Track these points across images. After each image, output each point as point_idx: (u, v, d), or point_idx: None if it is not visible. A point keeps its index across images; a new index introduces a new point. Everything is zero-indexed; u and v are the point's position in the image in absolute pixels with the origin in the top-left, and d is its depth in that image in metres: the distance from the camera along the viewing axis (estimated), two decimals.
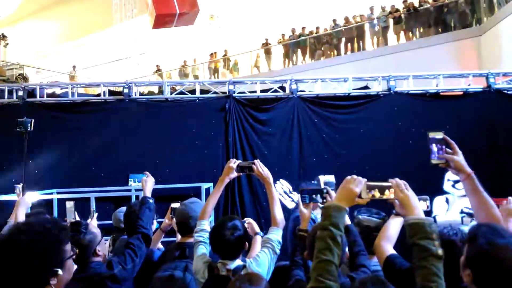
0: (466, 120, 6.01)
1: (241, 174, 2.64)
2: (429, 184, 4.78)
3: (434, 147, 1.66)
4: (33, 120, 4.35)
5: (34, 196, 2.90)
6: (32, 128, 4.28)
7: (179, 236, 3.15)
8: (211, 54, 17.24)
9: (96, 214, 3.49)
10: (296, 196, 4.57)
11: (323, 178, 4.54)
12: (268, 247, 2.37)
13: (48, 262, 1.48)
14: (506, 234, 1.50)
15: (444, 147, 1.61)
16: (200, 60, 17.57)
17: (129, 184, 5.66)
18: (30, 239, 1.46)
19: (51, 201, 5.43)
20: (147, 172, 2.86)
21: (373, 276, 2.09)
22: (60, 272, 1.51)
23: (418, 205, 1.64)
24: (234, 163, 2.58)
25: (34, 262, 1.43)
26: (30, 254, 1.44)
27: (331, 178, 4.53)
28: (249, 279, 1.87)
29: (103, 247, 2.43)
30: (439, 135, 1.66)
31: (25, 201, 2.83)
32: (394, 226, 2.14)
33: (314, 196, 2.39)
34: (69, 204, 3.45)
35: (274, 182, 4.31)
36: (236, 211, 5.80)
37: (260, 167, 2.53)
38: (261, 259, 2.32)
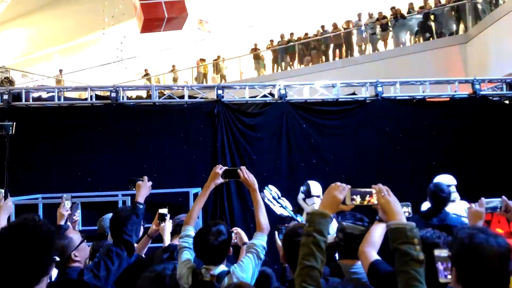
0: (452, 126, 6.10)
1: (227, 180, 2.63)
2: (417, 189, 4.81)
3: (440, 266, 1.68)
4: (14, 123, 4.29)
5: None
6: (13, 132, 4.21)
7: (166, 242, 3.13)
8: (201, 59, 17.21)
9: (66, 201, 3.40)
10: (285, 202, 4.57)
11: (311, 184, 4.58)
12: (253, 252, 2.37)
13: (49, 251, 1.55)
14: (487, 231, 1.53)
15: (449, 265, 1.65)
16: (189, 65, 17.53)
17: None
18: (31, 231, 1.54)
19: (35, 206, 5.34)
20: (145, 177, 2.77)
21: (357, 281, 2.10)
22: (57, 259, 1.60)
23: (400, 210, 1.66)
24: (220, 169, 2.58)
25: (38, 251, 1.51)
26: (35, 242, 1.51)
27: (318, 186, 4.56)
28: None
29: (82, 253, 2.38)
30: (444, 253, 1.69)
31: (8, 205, 2.76)
32: (377, 232, 2.16)
33: None
34: (68, 202, 3.38)
35: (263, 187, 4.34)
36: (224, 216, 5.77)
37: (246, 173, 2.54)
38: (245, 265, 2.31)
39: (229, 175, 2.58)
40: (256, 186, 2.55)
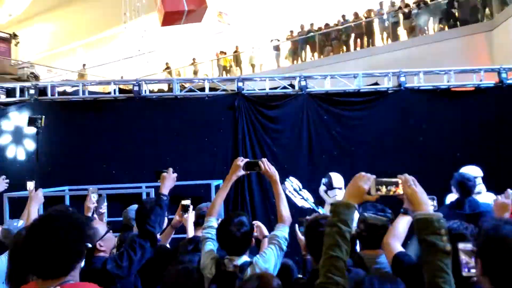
0: (477, 116, 5.95)
1: (248, 172, 2.65)
2: (441, 181, 4.74)
3: (464, 259, 1.66)
4: (44, 117, 4.40)
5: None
6: (43, 125, 4.33)
7: (189, 233, 3.17)
8: (221, 52, 17.23)
9: (92, 194, 3.49)
10: (306, 194, 4.57)
11: (333, 176, 4.56)
12: (275, 243, 2.39)
13: (83, 239, 1.63)
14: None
15: (473, 258, 1.62)
16: (209, 58, 17.59)
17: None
18: (66, 219, 1.61)
19: (62, 198, 5.49)
20: (170, 169, 2.80)
21: (382, 272, 2.10)
22: (89, 245, 1.71)
23: (427, 201, 1.64)
24: (241, 161, 2.59)
25: (74, 238, 1.58)
26: (70, 230, 1.58)
27: (340, 178, 4.53)
28: (259, 281, 1.90)
29: (108, 243, 2.45)
30: (468, 247, 1.66)
31: (39, 196, 2.85)
32: (402, 224, 2.15)
33: None
34: (94, 195, 3.48)
35: (284, 179, 4.34)
36: (245, 208, 5.81)
37: (267, 165, 2.55)
38: (268, 256, 2.34)
39: (250, 167, 2.59)
40: (277, 178, 2.56)
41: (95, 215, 3.38)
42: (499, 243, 1.43)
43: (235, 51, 16.65)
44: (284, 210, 2.50)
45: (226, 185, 2.61)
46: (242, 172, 2.59)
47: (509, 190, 2.60)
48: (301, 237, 2.76)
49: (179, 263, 2.64)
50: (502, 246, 1.42)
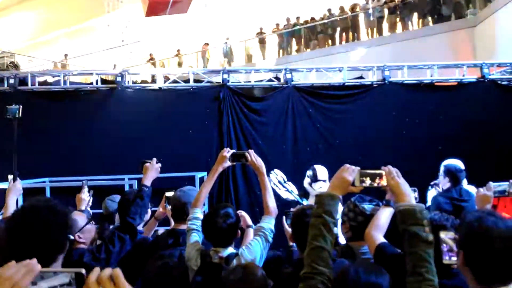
0: (460, 110, 6.04)
1: (235, 163, 2.63)
2: (423, 173, 4.81)
3: (445, 247, 1.68)
4: (21, 106, 4.29)
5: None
6: (20, 115, 4.22)
7: (172, 225, 3.14)
8: (205, 43, 17.08)
9: (86, 188, 3.43)
10: (291, 186, 4.58)
11: (317, 168, 4.58)
12: (261, 235, 2.39)
13: (65, 230, 1.63)
14: (496, 214, 1.52)
15: (454, 247, 1.64)
16: (194, 49, 17.43)
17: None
18: (47, 210, 1.60)
19: (43, 189, 5.39)
20: (154, 159, 2.73)
21: (368, 261, 2.11)
22: (71, 237, 1.70)
23: (410, 192, 1.67)
24: (227, 152, 2.57)
25: (51, 232, 1.56)
26: (52, 222, 1.58)
27: (324, 170, 4.56)
28: (243, 272, 1.89)
29: (87, 235, 2.40)
30: (449, 235, 1.68)
31: (17, 187, 2.78)
32: (384, 216, 2.17)
33: None
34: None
35: (269, 172, 4.34)
36: (230, 200, 5.80)
37: (254, 157, 2.54)
38: (254, 247, 2.33)
39: (236, 158, 2.57)
40: (264, 169, 2.55)
41: (87, 207, 3.32)
42: (482, 235, 1.45)
43: (225, 43, 16.50)
44: (271, 201, 2.50)
45: (211, 176, 2.59)
46: (228, 163, 2.57)
47: (490, 182, 2.64)
48: (288, 228, 2.77)
49: (159, 257, 2.61)
50: (485, 238, 1.44)
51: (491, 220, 1.47)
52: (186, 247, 2.49)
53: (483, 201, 2.54)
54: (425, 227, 1.53)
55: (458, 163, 4.50)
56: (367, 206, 2.32)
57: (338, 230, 2.79)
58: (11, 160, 4.60)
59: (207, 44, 16.99)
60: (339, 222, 3.07)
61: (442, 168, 4.15)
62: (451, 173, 4.06)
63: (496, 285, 1.43)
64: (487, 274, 1.44)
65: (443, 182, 4.13)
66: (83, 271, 0.93)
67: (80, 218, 2.43)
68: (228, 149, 2.62)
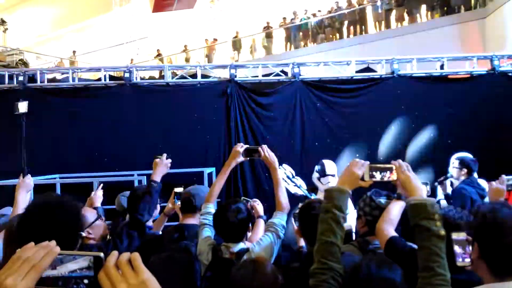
0: (470, 103, 5.97)
1: (248, 159, 2.62)
2: (434, 168, 4.77)
3: (458, 249, 1.66)
4: (27, 102, 4.32)
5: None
6: (27, 110, 4.25)
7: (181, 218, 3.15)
8: (214, 39, 17.02)
9: (101, 185, 3.47)
10: (299, 181, 4.57)
11: (326, 163, 4.57)
12: (272, 231, 2.38)
13: (76, 227, 1.62)
14: (509, 205, 1.52)
15: (468, 248, 1.62)
16: (201, 45, 17.41)
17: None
18: (57, 211, 1.58)
19: (53, 186, 5.44)
20: (164, 155, 2.72)
21: (377, 256, 2.10)
22: (83, 234, 1.68)
23: (420, 186, 1.65)
24: (241, 147, 2.57)
25: (64, 228, 1.54)
26: (60, 222, 1.55)
27: (333, 165, 4.55)
28: (254, 266, 1.89)
29: (96, 230, 2.42)
30: (461, 236, 1.66)
31: (26, 182, 2.79)
32: (395, 209, 2.16)
33: None
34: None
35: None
36: (238, 195, 5.80)
37: (267, 152, 2.54)
38: (264, 243, 2.33)
39: (249, 153, 2.57)
40: (277, 165, 2.55)
41: (93, 193, 3.36)
42: (496, 226, 1.44)
43: (235, 37, 16.44)
44: (283, 197, 2.49)
45: (225, 171, 2.60)
46: (241, 159, 2.57)
47: (503, 176, 2.62)
48: (296, 229, 2.78)
49: (163, 251, 2.63)
50: (500, 229, 1.43)
51: (505, 211, 1.47)
52: (195, 241, 2.49)
53: (497, 194, 2.53)
54: (436, 221, 1.52)
55: (469, 156, 4.49)
56: (383, 200, 2.31)
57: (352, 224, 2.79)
58: (21, 156, 4.66)
59: (216, 40, 16.91)
60: (353, 216, 3.06)
61: (456, 161, 4.18)
62: (467, 164, 4.12)
63: (509, 277, 1.42)
64: (501, 266, 1.43)
65: (459, 174, 4.16)
66: (102, 255, 0.93)
67: (89, 214, 2.44)
68: (242, 144, 2.62)
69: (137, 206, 2.52)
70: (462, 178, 4.15)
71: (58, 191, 5.34)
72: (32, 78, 6.15)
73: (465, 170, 4.13)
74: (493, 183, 2.63)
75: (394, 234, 2.08)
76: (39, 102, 5.81)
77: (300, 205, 2.71)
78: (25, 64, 14.12)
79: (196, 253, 2.46)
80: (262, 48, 15.84)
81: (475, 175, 4.37)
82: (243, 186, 5.88)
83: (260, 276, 1.85)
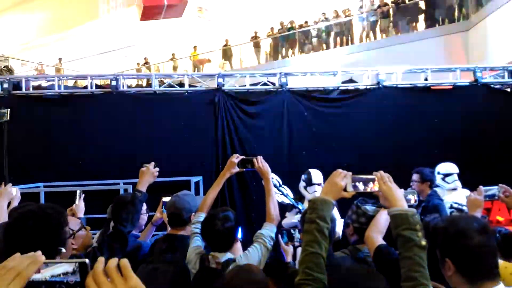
0: (453, 114, 6.08)
1: (244, 169, 2.61)
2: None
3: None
4: (9, 109, 4.26)
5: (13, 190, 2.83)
6: (8, 118, 4.19)
7: (169, 230, 3.13)
8: (194, 47, 17.01)
9: (83, 196, 3.42)
10: (286, 190, 4.58)
11: (312, 172, 4.59)
12: (260, 242, 2.38)
13: (53, 243, 1.62)
14: (462, 215, 1.59)
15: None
16: (189, 53, 17.42)
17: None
18: (36, 223, 1.60)
19: (37, 194, 5.35)
20: (152, 163, 2.65)
21: (362, 265, 2.12)
22: (63, 250, 1.66)
23: (402, 197, 1.68)
24: (236, 158, 2.57)
25: (41, 243, 1.51)
26: (37, 237, 1.57)
27: (319, 174, 4.58)
28: (247, 272, 1.87)
29: (79, 241, 2.38)
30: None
31: (8, 190, 2.74)
32: (384, 217, 2.19)
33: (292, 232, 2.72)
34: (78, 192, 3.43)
35: None
36: (225, 205, 5.78)
37: (261, 162, 2.55)
38: (252, 254, 2.32)
39: (244, 164, 2.58)
40: (270, 175, 2.55)
41: (76, 201, 3.31)
42: (459, 234, 1.52)
43: (225, 45, 16.50)
44: (274, 208, 2.49)
45: (219, 181, 2.61)
46: (236, 169, 2.58)
47: (481, 186, 2.62)
48: (285, 246, 2.81)
49: (150, 262, 2.60)
50: (463, 234, 1.50)
51: (461, 218, 1.57)
52: (180, 253, 2.48)
53: (474, 205, 2.53)
54: (417, 232, 1.55)
55: (450, 167, 4.56)
56: (369, 208, 2.33)
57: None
58: (3, 164, 4.58)
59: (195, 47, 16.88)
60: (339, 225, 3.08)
61: (415, 175, 4.39)
62: (429, 178, 4.28)
63: (486, 282, 1.47)
64: (474, 269, 1.47)
65: (421, 188, 4.29)
66: (87, 261, 0.94)
67: (72, 224, 2.41)
68: (237, 155, 2.62)
69: (120, 217, 2.46)
70: (428, 191, 4.21)
71: (42, 199, 5.26)
72: (17, 86, 6.07)
73: (428, 183, 4.22)
74: (471, 194, 2.63)
75: (382, 242, 2.10)
76: (24, 109, 5.74)
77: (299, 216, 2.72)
78: (10, 71, 13.90)
79: (185, 263, 2.45)
80: (250, 57, 15.93)
81: (459, 185, 4.45)
82: (230, 196, 5.85)
83: (252, 282, 1.84)
